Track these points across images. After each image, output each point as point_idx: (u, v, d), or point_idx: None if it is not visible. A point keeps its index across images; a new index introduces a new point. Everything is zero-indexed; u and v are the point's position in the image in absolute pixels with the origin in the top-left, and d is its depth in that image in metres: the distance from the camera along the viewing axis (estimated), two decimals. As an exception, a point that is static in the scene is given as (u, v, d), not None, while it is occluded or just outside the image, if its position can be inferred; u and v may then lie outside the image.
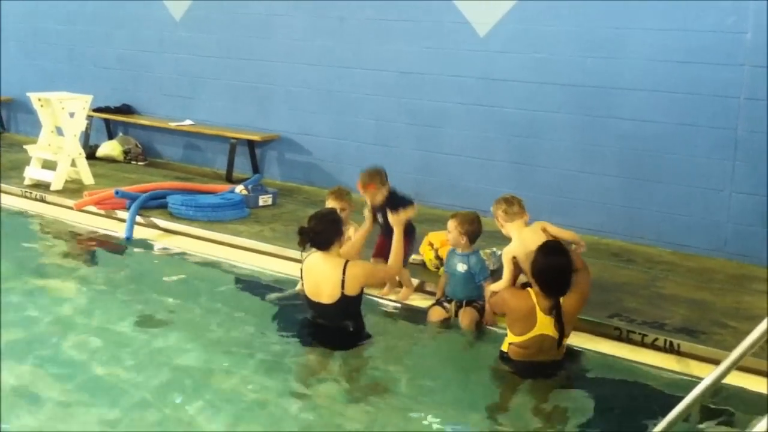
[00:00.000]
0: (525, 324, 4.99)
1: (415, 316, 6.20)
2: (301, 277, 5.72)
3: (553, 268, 4.98)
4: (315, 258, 5.57)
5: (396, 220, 5.85)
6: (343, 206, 6.36)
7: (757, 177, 7.34)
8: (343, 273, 5.39)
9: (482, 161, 8.83)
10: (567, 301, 5.00)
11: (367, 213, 6.34)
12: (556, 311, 4.91)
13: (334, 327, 5.50)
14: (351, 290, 5.43)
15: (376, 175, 6.35)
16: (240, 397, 4.93)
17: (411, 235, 6.31)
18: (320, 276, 5.49)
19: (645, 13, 7.68)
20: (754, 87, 7.23)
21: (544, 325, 4.96)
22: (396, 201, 6.17)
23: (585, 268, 5.38)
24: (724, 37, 7.32)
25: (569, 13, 8.08)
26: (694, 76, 7.49)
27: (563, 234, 5.75)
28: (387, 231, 6.14)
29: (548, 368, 5.12)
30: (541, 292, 4.99)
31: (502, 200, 5.79)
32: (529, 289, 5.13)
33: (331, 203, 6.37)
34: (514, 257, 5.62)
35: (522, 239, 5.62)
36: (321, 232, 5.48)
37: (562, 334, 4.99)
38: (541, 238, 5.48)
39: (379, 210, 6.29)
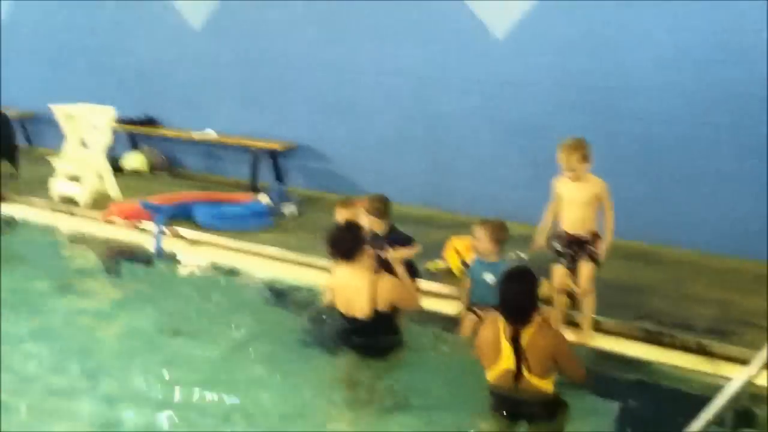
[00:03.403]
0: (491, 355, 4.71)
1: (446, 323, 6.14)
2: (331, 290, 5.70)
3: (513, 293, 4.70)
4: (343, 271, 5.52)
5: (393, 257, 5.78)
6: (353, 215, 6.35)
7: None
8: (373, 288, 5.36)
9: (498, 165, 8.86)
10: (536, 339, 4.62)
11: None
12: (514, 339, 4.61)
13: (368, 341, 5.45)
14: (383, 306, 5.39)
15: (375, 202, 6.06)
16: (263, 402, 5.02)
17: (413, 275, 6.11)
18: (350, 290, 5.44)
19: (662, 12, 7.69)
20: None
21: (509, 358, 4.64)
22: (396, 238, 6.01)
23: (571, 356, 4.85)
24: (741, 36, 7.32)
25: (585, 13, 8.10)
26: (713, 75, 7.51)
27: (609, 216, 5.85)
28: (382, 266, 5.79)
29: (533, 408, 4.67)
30: (503, 318, 4.74)
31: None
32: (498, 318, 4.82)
33: (339, 214, 6.24)
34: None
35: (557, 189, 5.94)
36: (341, 242, 5.44)
37: (520, 362, 4.59)
38: (575, 196, 5.78)
39: (376, 243, 5.93)
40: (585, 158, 5.72)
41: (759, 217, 7.44)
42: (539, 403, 4.64)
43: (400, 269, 5.78)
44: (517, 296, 4.70)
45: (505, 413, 4.70)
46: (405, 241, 6.02)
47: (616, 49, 7.99)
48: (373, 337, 5.45)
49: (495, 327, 4.73)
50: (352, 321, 5.47)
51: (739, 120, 7.46)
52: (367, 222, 5.98)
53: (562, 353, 4.71)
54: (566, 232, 5.89)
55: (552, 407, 4.71)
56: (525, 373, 4.57)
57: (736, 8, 7.32)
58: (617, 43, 7.98)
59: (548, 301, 6.16)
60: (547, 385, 4.64)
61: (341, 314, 5.55)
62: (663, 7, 7.68)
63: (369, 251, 5.58)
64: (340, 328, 5.62)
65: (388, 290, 5.41)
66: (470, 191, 9.04)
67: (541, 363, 4.59)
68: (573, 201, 5.83)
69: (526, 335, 4.59)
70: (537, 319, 4.69)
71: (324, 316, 5.97)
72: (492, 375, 4.70)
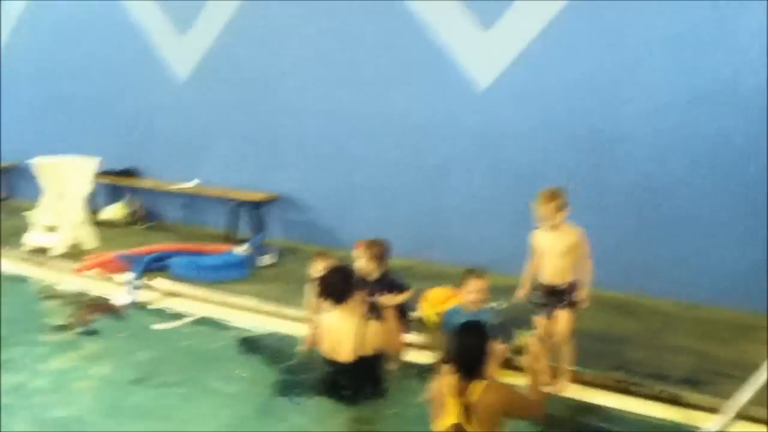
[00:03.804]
0: (439, 408, 4.51)
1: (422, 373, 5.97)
2: (318, 338, 5.69)
3: (463, 348, 4.54)
4: (333, 316, 5.55)
5: (385, 302, 5.80)
6: (329, 267, 6.29)
7: (751, 228, 7.38)
8: (360, 332, 5.38)
9: (486, 215, 8.86)
10: (485, 396, 4.43)
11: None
12: (461, 394, 4.42)
13: (351, 386, 5.42)
14: (368, 351, 5.41)
15: (377, 246, 6.16)
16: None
17: (404, 318, 6.17)
18: (338, 334, 5.46)
19: (649, 57, 7.76)
20: (749, 133, 7.32)
21: (454, 412, 4.42)
22: (390, 283, 6.06)
23: (523, 406, 4.70)
24: (734, 80, 7.37)
25: (567, 63, 8.18)
26: (693, 121, 7.57)
27: (587, 264, 5.78)
28: (374, 311, 5.87)
29: None
30: (453, 370, 4.54)
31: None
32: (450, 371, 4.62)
33: (316, 265, 6.24)
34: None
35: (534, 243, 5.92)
36: (332, 285, 5.49)
37: (465, 417, 4.37)
38: (553, 245, 5.74)
39: (370, 288, 6.01)
40: (561, 207, 5.72)
41: (735, 268, 7.47)
42: None
43: (390, 314, 5.77)
44: (467, 351, 4.52)
45: None
46: (399, 286, 6.04)
47: (603, 96, 8.05)
48: (356, 382, 5.43)
49: (445, 380, 4.54)
50: (336, 365, 5.47)
51: (725, 169, 7.50)
52: (364, 266, 6.01)
53: (514, 409, 4.54)
54: (545, 283, 5.87)
55: None
56: (468, 429, 4.35)
57: (727, 51, 7.39)
58: (604, 90, 8.04)
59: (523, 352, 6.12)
60: None
61: (325, 358, 5.55)
62: (650, 52, 7.76)
63: (360, 295, 5.61)
64: (322, 374, 5.62)
65: (374, 335, 5.43)
66: (453, 241, 9.03)
67: (487, 420, 4.38)
68: (552, 251, 5.81)
69: (475, 391, 4.40)
70: (488, 375, 4.53)
71: (303, 365, 5.97)
72: (438, 428, 4.49)
